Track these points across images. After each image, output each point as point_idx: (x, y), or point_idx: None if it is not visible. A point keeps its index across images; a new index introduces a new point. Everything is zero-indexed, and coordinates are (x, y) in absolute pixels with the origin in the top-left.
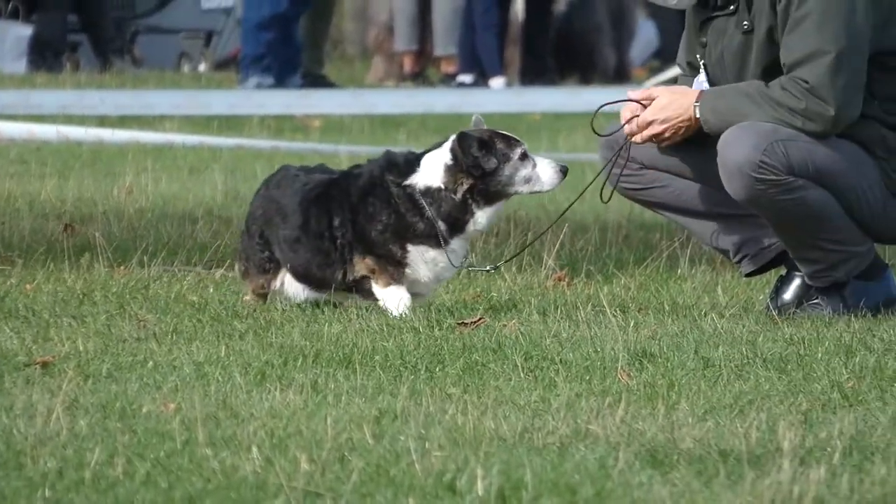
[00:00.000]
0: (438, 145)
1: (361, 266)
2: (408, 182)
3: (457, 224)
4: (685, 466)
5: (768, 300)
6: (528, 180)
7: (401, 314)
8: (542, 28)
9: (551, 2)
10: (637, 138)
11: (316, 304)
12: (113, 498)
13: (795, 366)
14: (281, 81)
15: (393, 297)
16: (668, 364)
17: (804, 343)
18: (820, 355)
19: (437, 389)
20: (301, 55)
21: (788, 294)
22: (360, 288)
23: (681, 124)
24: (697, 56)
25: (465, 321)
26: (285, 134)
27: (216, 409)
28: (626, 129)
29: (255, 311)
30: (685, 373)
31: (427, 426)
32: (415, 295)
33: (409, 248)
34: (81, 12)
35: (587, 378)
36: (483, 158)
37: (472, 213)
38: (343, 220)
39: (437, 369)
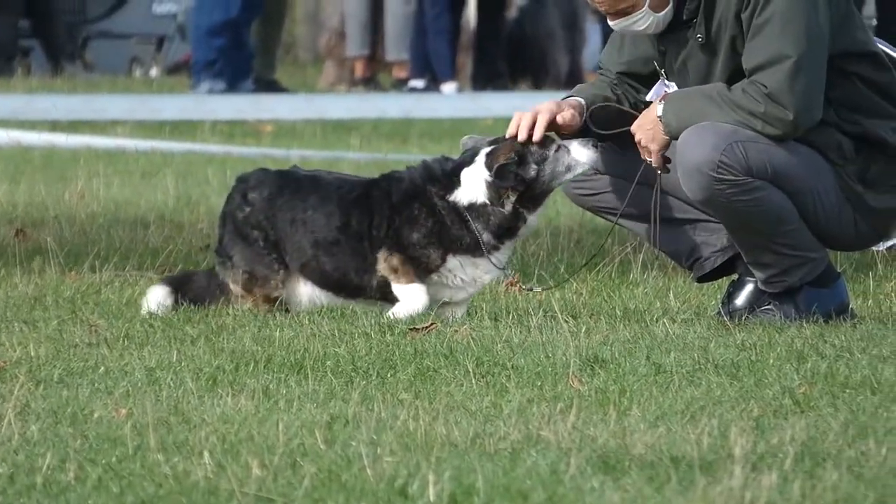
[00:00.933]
0: (472, 158)
1: (383, 264)
2: (452, 198)
3: (509, 231)
4: (637, 472)
5: (720, 306)
6: (568, 167)
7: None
8: (494, 33)
9: (503, 7)
10: (661, 170)
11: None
12: (64, 503)
13: (747, 371)
14: (233, 86)
15: (413, 295)
16: (620, 370)
17: (756, 349)
18: (772, 361)
19: (389, 395)
20: (253, 60)
21: (740, 299)
22: (388, 295)
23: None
24: (655, 64)
25: (417, 326)
26: (237, 139)
27: (168, 415)
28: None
29: (206, 315)
30: (637, 378)
31: (379, 431)
32: (446, 304)
33: (449, 257)
34: (33, 17)
35: (539, 384)
36: (522, 171)
37: (525, 219)
38: (380, 222)
39: (389, 375)
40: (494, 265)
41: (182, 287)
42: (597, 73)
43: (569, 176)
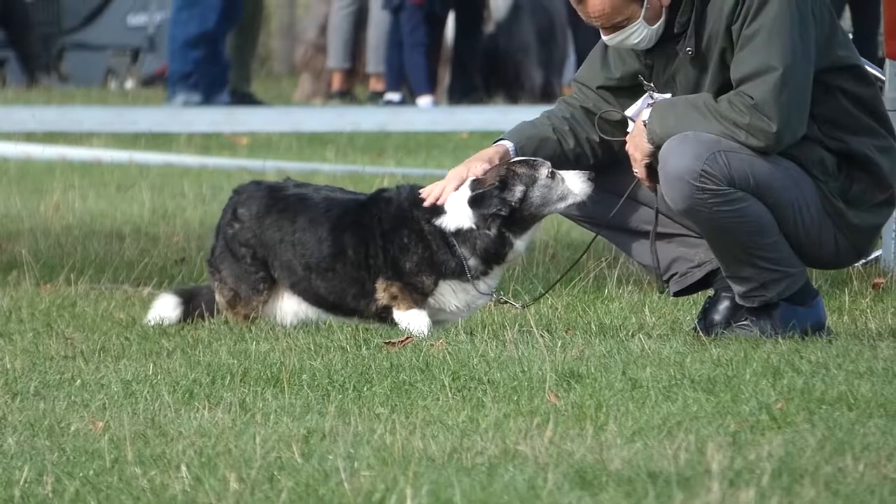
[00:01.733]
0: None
1: (383, 293)
2: (437, 222)
3: (496, 257)
4: (614, 488)
5: (696, 321)
6: (561, 197)
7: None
8: (471, 48)
9: (480, 22)
10: (646, 184)
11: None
12: None
13: (723, 387)
14: (208, 99)
15: (415, 321)
16: (596, 385)
17: (732, 364)
18: (748, 377)
19: (366, 409)
20: (228, 73)
21: (717, 315)
22: (386, 317)
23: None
24: (642, 78)
25: (393, 340)
26: (213, 151)
27: (145, 428)
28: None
29: (182, 329)
30: (613, 394)
31: (356, 445)
32: (439, 322)
33: (441, 283)
34: (8, 28)
35: (515, 398)
36: (508, 195)
37: (511, 244)
38: (376, 248)
39: (365, 388)
40: (481, 292)
41: (191, 299)
42: (570, 86)
43: (561, 206)
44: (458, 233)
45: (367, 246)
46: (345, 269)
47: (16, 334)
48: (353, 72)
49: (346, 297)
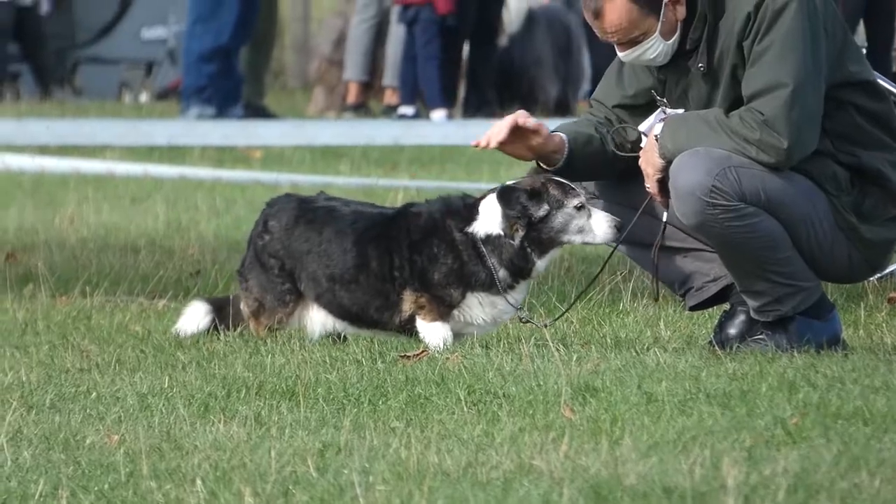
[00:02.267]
0: (495, 190)
1: (410, 303)
2: (469, 229)
3: (520, 270)
4: (629, 503)
5: (712, 335)
6: (581, 230)
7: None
8: (486, 61)
9: (494, 35)
10: (657, 200)
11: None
12: None
13: (739, 401)
14: (222, 112)
15: (437, 334)
16: (612, 399)
17: (747, 378)
18: (763, 391)
19: (381, 423)
20: (242, 86)
21: (732, 329)
22: (410, 330)
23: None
24: (654, 93)
25: (408, 354)
26: (226, 164)
27: (160, 441)
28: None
29: (197, 341)
30: (628, 408)
31: (371, 460)
32: (463, 334)
33: (468, 294)
34: (22, 42)
35: (530, 412)
36: (532, 206)
37: (533, 262)
38: (402, 260)
39: (381, 402)
40: (511, 304)
41: (221, 309)
42: (587, 104)
43: (578, 239)
44: (489, 239)
45: (392, 257)
46: (368, 281)
47: (31, 347)
48: (370, 85)
49: (369, 309)
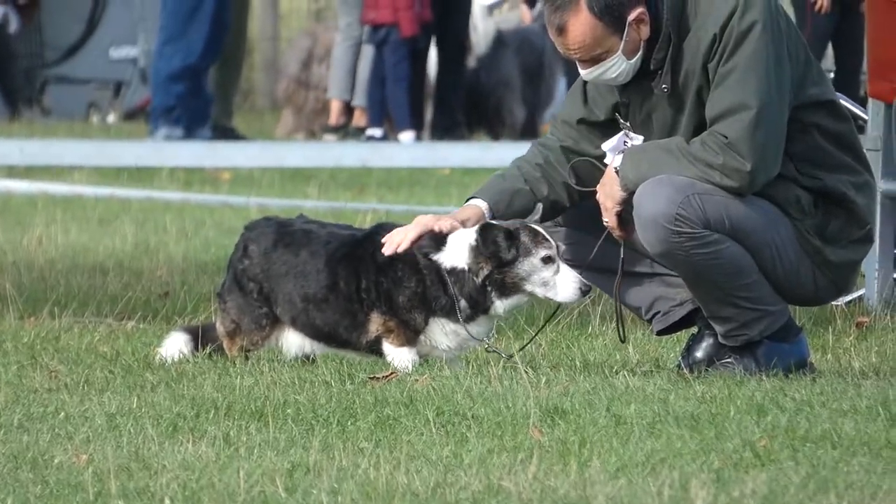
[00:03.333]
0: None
1: (378, 324)
2: (435, 257)
3: (477, 306)
4: None
5: (680, 358)
6: (545, 284)
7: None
8: (454, 83)
9: (463, 57)
10: (616, 234)
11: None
12: None
13: (707, 424)
14: (190, 133)
15: (402, 358)
16: (580, 421)
17: (716, 401)
18: (732, 413)
19: (350, 443)
20: (211, 107)
21: (700, 352)
22: (378, 350)
23: (615, 190)
24: (617, 115)
25: (377, 375)
26: (195, 186)
27: (128, 461)
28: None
29: (166, 362)
30: (597, 430)
31: (340, 480)
32: (431, 357)
33: (430, 320)
34: None
35: (499, 434)
36: (503, 248)
37: (492, 301)
38: (368, 281)
39: (349, 423)
40: (472, 336)
41: (200, 335)
42: (549, 124)
43: (540, 292)
44: (453, 271)
45: (359, 278)
46: (338, 301)
47: (0, 367)
48: (352, 106)
49: (339, 329)
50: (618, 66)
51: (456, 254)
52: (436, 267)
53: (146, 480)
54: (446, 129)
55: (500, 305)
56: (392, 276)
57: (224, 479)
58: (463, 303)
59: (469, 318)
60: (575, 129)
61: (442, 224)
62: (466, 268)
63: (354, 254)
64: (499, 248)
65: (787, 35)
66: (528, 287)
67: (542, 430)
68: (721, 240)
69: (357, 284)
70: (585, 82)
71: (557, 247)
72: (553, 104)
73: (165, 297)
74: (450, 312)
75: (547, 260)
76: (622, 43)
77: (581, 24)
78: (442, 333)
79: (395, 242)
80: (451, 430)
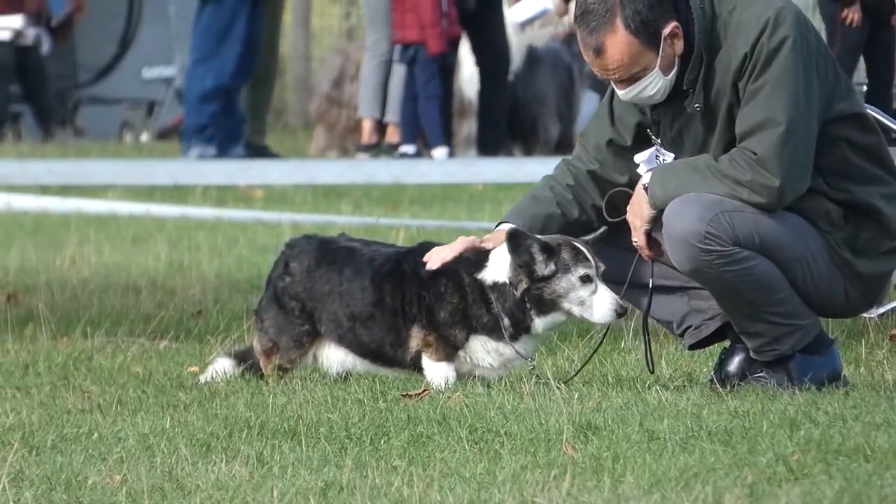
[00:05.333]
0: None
1: (418, 339)
2: (479, 275)
3: (518, 323)
4: None
5: (712, 373)
6: (581, 303)
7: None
8: (499, 99)
9: (507, 72)
10: (644, 253)
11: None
12: None
13: (740, 438)
14: (223, 152)
15: (440, 373)
16: (613, 437)
17: (749, 416)
18: (765, 428)
19: (383, 461)
20: (244, 126)
21: (732, 367)
22: (420, 366)
23: (644, 208)
24: (649, 132)
25: (410, 393)
26: (228, 204)
27: (162, 481)
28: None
29: (198, 382)
30: (630, 445)
31: (373, 498)
32: (473, 375)
33: (472, 337)
34: (24, 82)
35: (532, 450)
36: (539, 261)
37: (531, 318)
38: (411, 295)
39: (382, 441)
40: (519, 353)
41: (244, 358)
42: (577, 141)
43: (577, 312)
44: (495, 286)
45: (403, 293)
46: (383, 317)
47: (33, 388)
48: (385, 123)
49: (384, 346)
50: (655, 83)
51: (498, 268)
52: (479, 283)
53: (180, 501)
54: (492, 145)
55: (539, 323)
56: (434, 291)
57: (258, 498)
58: (507, 321)
59: (512, 337)
60: (604, 152)
61: (484, 243)
62: (508, 281)
63: (398, 270)
64: (533, 258)
65: (817, 51)
66: (566, 305)
67: (576, 447)
68: (751, 256)
69: (402, 299)
70: (612, 101)
71: (598, 266)
72: (579, 119)
73: (198, 316)
74: (492, 330)
75: (585, 279)
76: (658, 59)
77: (618, 43)
78: (483, 351)
79: (438, 258)
80: (485, 447)
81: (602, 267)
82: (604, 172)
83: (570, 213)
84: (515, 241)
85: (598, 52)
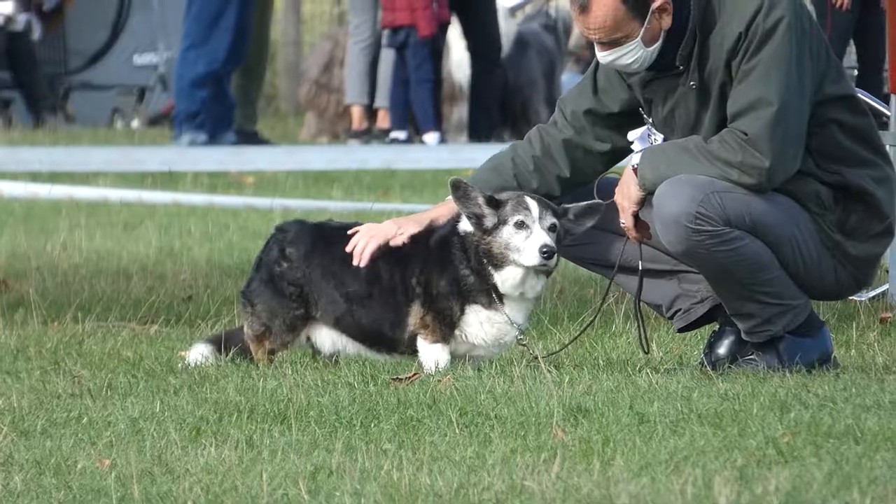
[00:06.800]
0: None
1: (417, 317)
2: (459, 226)
3: (486, 280)
4: None
5: (702, 355)
6: (518, 250)
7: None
8: (492, 84)
9: (498, 57)
10: (632, 235)
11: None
12: None
13: (730, 421)
14: (214, 138)
15: (433, 356)
16: (603, 420)
17: (739, 398)
18: (755, 411)
19: (373, 445)
20: (234, 112)
21: (722, 349)
22: (416, 350)
23: (633, 189)
24: (641, 111)
25: (400, 377)
26: (219, 190)
27: (151, 465)
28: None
29: (189, 366)
30: (620, 428)
31: (362, 482)
32: (472, 358)
33: (466, 307)
34: (14, 69)
35: (522, 434)
36: (486, 213)
37: (490, 274)
38: (411, 271)
39: (372, 425)
40: (509, 318)
41: (223, 343)
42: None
43: (514, 258)
44: (466, 236)
45: (402, 268)
46: (381, 295)
47: (23, 372)
48: (373, 109)
49: (384, 327)
50: (634, 53)
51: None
52: (458, 237)
53: (169, 485)
54: (483, 131)
55: (499, 280)
56: (433, 264)
57: (247, 482)
58: (472, 278)
59: (499, 299)
60: (581, 120)
61: (406, 228)
62: (471, 231)
63: (397, 246)
64: (482, 210)
65: (810, 33)
66: (512, 255)
67: (566, 430)
68: (742, 236)
69: (401, 274)
70: (596, 72)
71: (540, 215)
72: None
73: (189, 301)
74: (479, 293)
75: (520, 225)
76: (642, 29)
77: (604, 5)
78: (477, 323)
79: (357, 251)
80: (475, 431)
81: (550, 220)
82: (579, 140)
83: (528, 184)
84: (461, 190)
85: (584, 8)
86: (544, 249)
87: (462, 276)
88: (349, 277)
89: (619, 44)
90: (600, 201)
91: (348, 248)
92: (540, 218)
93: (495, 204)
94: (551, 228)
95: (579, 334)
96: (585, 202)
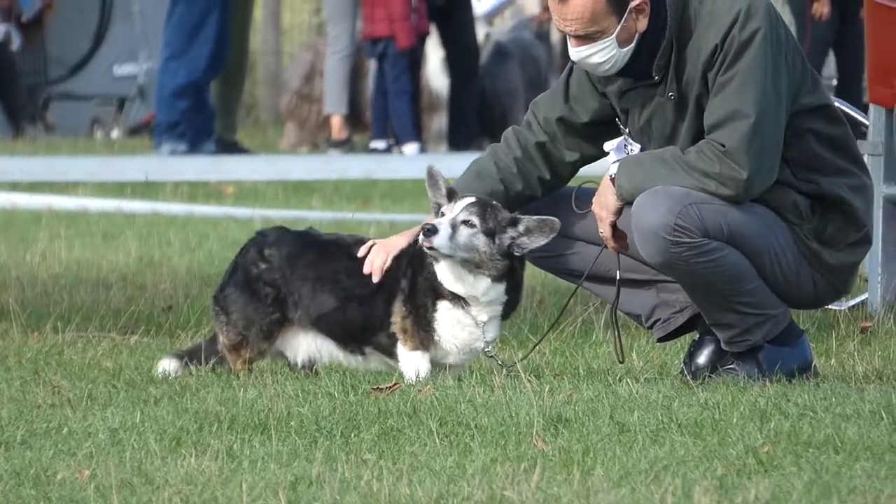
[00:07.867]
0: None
1: (399, 317)
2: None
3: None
4: None
5: (682, 365)
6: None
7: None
8: (470, 94)
9: (476, 66)
10: (610, 244)
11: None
12: None
13: (710, 431)
14: (194, 148)
15: (413, 363)
16: (584, 429)
17: (719, 408)
18: (735, 420)
19: (353, 455)
20: (214, 121)
21: (702, 358)
22: (394, 354)
23: (611, 199)
24: (618, 122)
25: (380, 386)
26: (199, 200)
27: (131, 476)
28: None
29: (169, 376)
30: (600, 438)
31: (342, 492)
32: (443, 365)
33: (439, 304)
34: None
35: (502, 443)
36: (443, 201)
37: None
38: (394, 269)
39: (353, 435)
40: (475, 319)
41: (191, 356)
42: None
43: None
44: None
45: (388, 270)
46: (367, 296)
47: (3, 383)
48: (356, 119)
49: (366, 325)
50: (608, 51)
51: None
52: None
53: (149, 495)
54: (463, 141)
55: (439, 272)
56: (412, 265)
57: (227, 493)
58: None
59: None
60: (553, 126)
61: (397, 242)
62: None
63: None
64: (441, 196)
65: (786, 44)
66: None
67: (546, 439)
68: (720, 247)
69: (388, 274)
70: (569, 79)
71: (457, 204)
72: None
73: (169, 311)
74: (449, 293)
75: (467, 224)
76: (618, 27)
77: None
78: (448, 324)
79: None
80: (455, 441)
81: (471, 217)
82: (553, 147)
83: (514, 187)
84: (433, 178)
85: None
86: (427, 227)
87: (434, 273)
88: (331, 275)
89: (594, 39)
90: (555, 219)
91: (366, 270)
92: (462, 211)
93: (450, 196)
94: (467, 223)
95: (546, 332)
96: (539, 216)
